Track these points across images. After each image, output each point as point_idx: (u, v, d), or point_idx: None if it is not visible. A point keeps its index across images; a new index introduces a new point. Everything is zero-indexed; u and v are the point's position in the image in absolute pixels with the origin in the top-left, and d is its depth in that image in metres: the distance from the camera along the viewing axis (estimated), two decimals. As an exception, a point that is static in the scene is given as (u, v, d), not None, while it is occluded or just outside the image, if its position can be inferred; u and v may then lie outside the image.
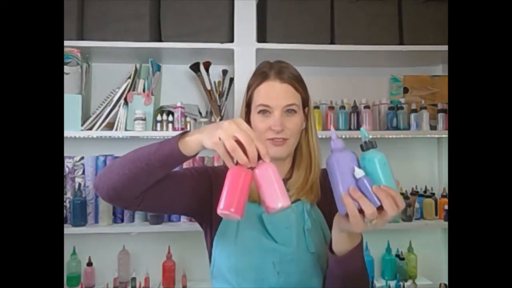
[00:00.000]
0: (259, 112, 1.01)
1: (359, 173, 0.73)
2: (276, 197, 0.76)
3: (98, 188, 0.90)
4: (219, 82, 1.84)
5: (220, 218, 0.98)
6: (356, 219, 0.72)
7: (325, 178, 1.02)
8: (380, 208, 0.71)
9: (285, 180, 1.03)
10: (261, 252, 0.96)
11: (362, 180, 0.72)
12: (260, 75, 1.03)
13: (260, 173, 0.76)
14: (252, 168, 0.77)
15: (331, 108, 1.84)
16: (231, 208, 0.73)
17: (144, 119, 1.67)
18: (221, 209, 0.74)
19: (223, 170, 0.96)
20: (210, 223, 1.03)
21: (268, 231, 0.98)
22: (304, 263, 0.97)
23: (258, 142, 0.76)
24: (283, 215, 0.98)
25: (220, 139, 0.75)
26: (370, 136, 0.76)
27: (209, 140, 0.77)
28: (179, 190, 0.97)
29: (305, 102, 1.05)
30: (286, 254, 0.97)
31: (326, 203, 1.02)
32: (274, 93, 1.00)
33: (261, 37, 1.76)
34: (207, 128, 0.81)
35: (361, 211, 0.72)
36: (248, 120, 1.04)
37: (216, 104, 1.79)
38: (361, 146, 0.76)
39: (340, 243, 0.83)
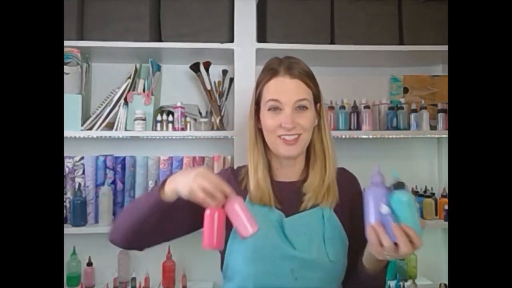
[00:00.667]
0: (269, 109, 0.99)
1: (384, 210, 0.83)
2: (245, 226, 0.90)
3: (114, 241, 1.05)
4: (219, 82, 1.84)
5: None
6: (377, 248, 0.82)
7: (340, 180, 1.03)
8: (397, 244, 0.80)
9: (301, 182, 1.02)
10: (279, 258, 0.95)
11: (386, 217, 0.82)
12: (270, 71, 1.01)
13: (229, 209, 0.90)
14: (223, 206, 0.90)
15: (331, 108, 1.84)
16: (213, 245, 0.91)
17: (144, 119, 1.67)
18: (204, 247, 0.92)
19: (226, 174, 1.04)
20: None
21: (287, 237, 0.97)
22: (323, 270, 0.96)
23: (221, 185, 0.87)
24: (302, 221, 0.98)
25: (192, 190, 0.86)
26: (398, 177, 0.86)
27: (183, 191, 0.88)
28: (181, 222, 1.00)
29: (317, 98, 1.03)
30: (304, 261, 0.95)
31: (342, 207, 1.02)
32: (284, 88, 0.98)
33: (261, 37, 1.76)
34: (179, 177, 0.91)
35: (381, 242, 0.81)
36: (257, 118, 1.03)
37: (216, 104, 1.79)
38: (391, 186, 0.85)
39: (370, 262, 0.92)
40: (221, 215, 0.90)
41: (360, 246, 0.94)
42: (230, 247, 1.00)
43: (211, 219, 0.89)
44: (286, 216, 0.99)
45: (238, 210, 0.90)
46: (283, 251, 0.95)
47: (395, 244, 0.80)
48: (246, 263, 0.96)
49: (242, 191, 1.02)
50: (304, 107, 0.98)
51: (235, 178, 1.06)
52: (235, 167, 1.15)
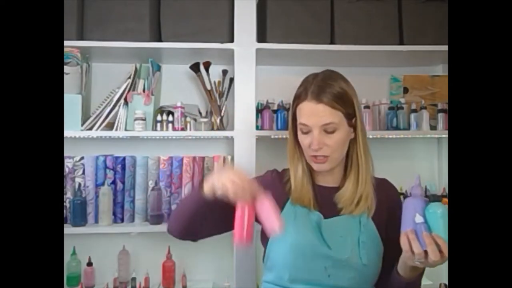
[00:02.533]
0: (301, 129, 1.06)
1: (418, 219, 0.90)
2: (271, 224, 0.93)
3: (171, 232, 1.10)
4: (219, 82, 1.84)
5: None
6: (407, 254, 0.89)
7: (378, 190, 1.10)
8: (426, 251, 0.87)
9: (336, 189, 1.09)
10: (315, 256, 1.02)
11: (419, 226, 0.90)
12: (303, 91, 1.06)
13: (258, 206, 0.95)
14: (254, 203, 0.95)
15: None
16: (242, 239, 0.94)
17: (144, 119, 1.67)
18: (235, 242, 0.95)
19: (271, 176, 1.14)
20: None
21: (323, 237, 1.04)
22: (355, 272, 1.02)
23: (251, 182, 0.94)
24: (340, 224, 1.05)
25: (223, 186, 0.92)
26: (435, 190, 0.95)
27: (217, 185, 0.94)
28: (223, 218, 1.03)
29: (350, 115, 1.06)
30: (338, 260, 1.02)
31: (379, 216, 1.08)
32: (312, 113, 1.03)
33: (261, 37, 1.76)
34: (215, 174, 0.97)
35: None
36: (295, 133, 1.10)
37: (216, 104, 1.79)
38: (428, 197, 0.94)
39: (404, 270, 0.98)
40: (250, 212, 0.94)
41: (396, 255, 1.00)
42: (271, 241, 1.08)
43: (241, 214, 0.94)
44: (325, 218, 1.06)
45: (266, 207, 0.94)
46: (318, 250, 1.02)
47: (426, 252, 0.87)
48: (284, 257, 1.04)
49: (286, 192, 1.10)
50: (332, 130, 1.03)
51: (280, 179, 1.14)
52: (279, 170, 1.21)
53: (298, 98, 1.06)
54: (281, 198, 1.09)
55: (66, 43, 1.61)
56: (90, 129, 1.66)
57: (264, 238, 1.11)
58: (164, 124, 1.71)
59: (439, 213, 0.90)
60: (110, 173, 1.75)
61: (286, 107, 1.81)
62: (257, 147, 1.71)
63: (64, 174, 1.73)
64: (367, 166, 1.08)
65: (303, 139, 1.06)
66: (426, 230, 0.89)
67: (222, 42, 1.70)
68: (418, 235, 0.89)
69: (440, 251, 0.86)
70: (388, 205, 1.10)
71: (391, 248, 1.04)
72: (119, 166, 1.76)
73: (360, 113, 1.09)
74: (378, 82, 2.02)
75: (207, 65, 1.81)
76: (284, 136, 1.84)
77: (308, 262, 1.02)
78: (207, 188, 0.97)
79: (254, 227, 0.97)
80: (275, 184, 1.12)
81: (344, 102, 1.04)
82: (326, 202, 1.08)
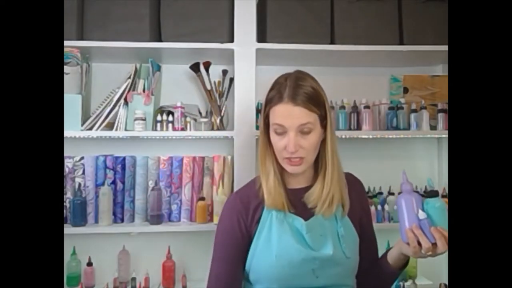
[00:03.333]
0: (275, 130, 1.05)
1: (422, 215, 0.96)
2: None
3: None
4: (219, 82, 1.84)
5: (254, 230, 1.07)
6: (416, 249, 0.95)
7: (351, 188, 1.12)
8: (434, 244, 0.93)
9: (307, 189, 1.09)
10: (301, 262, 1.02)
11: (424, 221, 0.95)
12: (277, 95, 1.05)
13: None
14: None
15: (331, 108, 1.84)
16: None
17: (144, 119, 1.67)
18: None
19: (254, 184, 1.13)
20: (248, 235, 1.08)
21: (306, 240, 1.04)
22: (340, 267, 1.05)
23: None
24: (317, 224, 1.06)
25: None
26: (433, 186, 1.01)
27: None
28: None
29: (324, 115, 1.06)
30: (324, 260, 1.03)
31: (354, 212, 1.11)
32: (288, 115, 1.02)
33: (261, 37, 1.76)
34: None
35: (419, 244, 0.94)
36: (267, 136, 1.08)
37: (216, 104, 1.79)
38: (426, 193, 1.00)
39: (397, 261, 1.06)
40: None
41: (374, 246, 1.17)
42: (253, 253, 1.06)
43: None
44: (305, 220, 1.06)
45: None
46: (304, 254, 1.02)
47: (433, 245, 0.93)
48: (271, 269, 1.03)
49: (260, 198, 1.09)
50: (308, 130, 1.03)
51: (254, 189, 1.12)
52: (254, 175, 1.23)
53: (271, 102, 1.05)
54: (258, 208, 1.08)
55: (66, 43, 1.61)
56: (90, 129, 1.66)
57: (245, 247, 1.08)
58: (164, 124, 1.71)
59: (438, 206, 0.96)
60: (110, 173, 1.75)
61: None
62: (257, 147, 1.71)
63: (64, 174, 1.73)
64: (336, 165, 1.07)
65: (277, 141, 1.04)
66: (430, 224, 0.95)
67: (222, 42, 1.70)
68: (425, 230, 0.94)
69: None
70: (358, 199, 1.14)
71: (368, 240, 1.15)
72: (119, 166, 1.76)
73: (329, 113, 1.08)
74: (378, 82, 2.02)
75: (207, 65, 1.81)
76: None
77: (296, 269, 1.02)
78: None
79: None
80: (252, 192, 1.10)
81: (318, 103, 1.04)
82: (300, 204, 1.08)
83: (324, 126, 1.06)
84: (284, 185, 1.10)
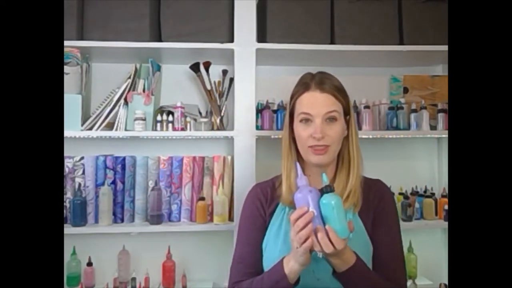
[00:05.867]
0: (301, 120, 1.07)
1: (312, 213, 0.90)
2: None
3: None
4: (219, 82, 1.84)
5: (268, 222, 1.10)
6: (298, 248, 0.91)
7: (368, 188, 1.11)
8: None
9: None
10: None
11: (314, 219, 0.90)
12: (302, 85, 1.09)
13: None
14: None
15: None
16: None
17: (144, 119, 1.67)
18: None
19: (271, 183, 1.17)
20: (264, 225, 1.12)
21: None
22: None
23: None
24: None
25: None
26: (327, 182, 0.94)
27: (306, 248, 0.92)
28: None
29: (347, 110, 1.10)
30: (325, 263, 1.00)
31: (367, 213, 1.09)
32: (315, 102, 1.06)
33: (261, 37, 1.76)
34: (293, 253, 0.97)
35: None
36: (291, 129, 1.11)
37: (216, 104, 1.79)
38: (321, 190, 0.92)
39: (335, 266, 0.98)
40: None
41: (386, 255, 1.08)
42: (266, 243, 1.10)
43: None
44: None
45: None
46: None
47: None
48: (275, 261, 1.03)
49: (277, 194, 1.12)
50: (334, 119, 1.06)
51: (273, 186, 1.16)
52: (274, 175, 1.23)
53: (298, 92, 1.10)
54: (273, 202, 1.13)
55: (66, 43, 1.60)
56: (90, 129, 1.66)
57: (264, 232, 1.13)
58: (164, 124, 1.71)
59: (332, 204, 0.90)
60: (110, 173, 1.75)
61: (286, 107, 1.81)
62: (257, 147, 1.71)
63: (64, 174, 1.73)
64: (359, 163, 1.10)
65: (302, 131, 1.07)
66: (320, 223, 0.90)
67: (222, 42, 1.70)
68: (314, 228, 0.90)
69: (332, 243, 0.88)
70: (378, 205, 1.12)
71: (383, 249, 1.08)
72: (119, 166, 1.76)
73: (352, 113, 1.12)
74: (378, 82, 2.02)
75: (207, 65, 1.81)
76: (284, 136, 1.85)
77: None
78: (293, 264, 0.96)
79: None
80: (271, 191, 1.15)
81: (343, 96, 1.09)
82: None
83: (347, 122, 1.10)
84: None
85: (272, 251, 1.07)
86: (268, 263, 1.07)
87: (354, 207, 1.08)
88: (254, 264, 1.09)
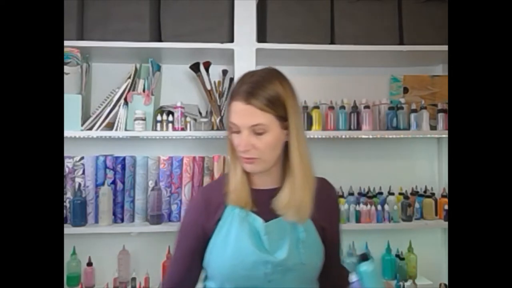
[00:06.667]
0: (231, 128, 1.01)
1: (352, 278, 0.99)
2: None
3: None
4: (219, 82, 1.84)
5: (214, 226, 1.04)
6: None
7: (317, 189, 1.06)
8: None
9: (274, 190, 1.04)
10: (255, 264, 0.99)
11: (353, 284, 0.99)
12: (232, 92, 1.02)
13: None
14: None
15: (331, 108, 1.84)
16: None
17: (144, 119, 1.67)
18: None
19: (221, 181, 1.07)
20: (203, 233, 1.05)
21: (263, 242, 1.01)
22: (294, 272, 1.01)
23: None
24: (278, 226, 1.03)
25: None
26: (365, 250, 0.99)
27: None
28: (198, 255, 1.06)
29: (282, 117, 1.00)
30: (278, 265, 0.99)
31: (320, 218, 1.06)
32: (240, 113, 0.98)
33: (261, 37, 1.76)
34: None
35: None
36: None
37: (216, 104, 1.79)
38: (359, 256, 1.00)
39: None
40: None
41: (335, 251, 1.12)
42: (212, 247, 1.04)
43: None
44: (265, 221, 1.02)
45: None
46: (258, 257, 0.99)
47: None
48: (224, 268, 1.01)
49: (224, 195, 1.05)
50: (261, 131, 0.98)
51: (221, 187, 1.08)
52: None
53: (231, 96, 1.01)
54: (221, 205, 1.05)
55: (66, 43, 1.61)
56: (90, 129, 1.66)
57: (202, 240, 1.05)
58: (164, 124, 1.71)
59: (370, 271, 0.98)
60: (110, 173, 1.75)
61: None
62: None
63: (64, 174, 1.73)
64: (304, 169, 1.02)
65: (233, 139, 1.01)
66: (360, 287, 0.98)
67: (222, 42, 1.70)
68: None
69: None
70: (328, 205, 1.10)
71: (331, 246, 1.10)
72: (119, 166, 1.76)
73: (295, 115, 1.01)
74: (378, 82, 2.02)
75: (207, 65, 1.81)
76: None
77: (248, 271, 0.99)
78: None
79: None
80: (222, 190, 1.06)
81: (275, 105, 0.98)
82: (264, 205, 1.03)
83: (286, 127, 1.01)
84: (250, 185, 1.06)
85: (220, 256, 1.02)
86: (215, 269, 1.03)
87: (300, 218, 1.02)
88: (185, 279, 1.07)
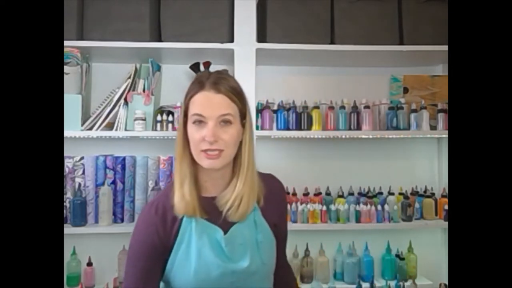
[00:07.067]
0: (194, 122, 0.98)
1: None
2: None
3: None
4: (219, 82, 1.84)
5: (173, 242, 0.99)
6: None
7: (265, 185, 1.07)
8: None
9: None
10: (220, 276, 0.98)
11: None
12: (197, 84, 1.01)
13: None
14: None
15: (331, 108, 1.84)
16: None
17: (144, 119, 1.67)
18: None
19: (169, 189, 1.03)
20: (162, 250, 1.01)
21: (225, 252, 1.00)
22: (257, 275, 1.02)
23: None
24: (237, 234, 1.02)
25: None
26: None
27: None
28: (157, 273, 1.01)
29: (243, 114, 1.02)
30: (242, 272, 1.00)
31: (271, 213, 1.07)
32: (209, 103, 0.97)
33: (261, 37, 1.76)
34: None
35: None
36: (185, 130, 1.01)
37: (216, 104, 1.79)
38: None
39: None
40: None
41: (284, 246, 1.14)
42: (171, 267, 1.00)
43: None
44: (222, 229, 1.01)
45: None
46: (223, 269, 0.99)
47: None
48: (190, 282, 0.98)
49: (172, 205, 1.01)
50: (228, 122, 0.98)
51: (170, 193, 1.04)
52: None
53: (192, 91, 1.00)
54: (177, 218, 1.01)
55: (66, 43, 1.61)
56: (90, 129, 1.66)
57: (160, 260, 1.01)
58: (164, 124, 1.71)
59: None
60: (110, 173, 1.75)
61: (286, 107, 1.82)
62: (257, 147, 1.70)
63: (64, 174, 1.73)
64: (250, 169, 1.03)
65: (195, 132, 0.97)
66: None
67: (222, 42, 1.70)
68: None
69: None
70: (277, 201, 1.11)
71: (283, 241, 1.13)
72: (119, 166, 1.76)
73: (249, 114, 1.04)
74: (378, 82, 2.02)
75: (207, 65, 1.81)
76: (285, 136, 1.85)
77: (215, 284, 0.98)
78: None
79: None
80: (169, 198, 1.02)
81: (238, 97, 1.01)
82: (216, 213, 1.02)
83: (243, 125, 1.02)
84: (199, 193, 1.02)
85: (183, 273, 0.98)
86: (179, 285, 0.99)
87: (240, 216, 1.01)
88: None
